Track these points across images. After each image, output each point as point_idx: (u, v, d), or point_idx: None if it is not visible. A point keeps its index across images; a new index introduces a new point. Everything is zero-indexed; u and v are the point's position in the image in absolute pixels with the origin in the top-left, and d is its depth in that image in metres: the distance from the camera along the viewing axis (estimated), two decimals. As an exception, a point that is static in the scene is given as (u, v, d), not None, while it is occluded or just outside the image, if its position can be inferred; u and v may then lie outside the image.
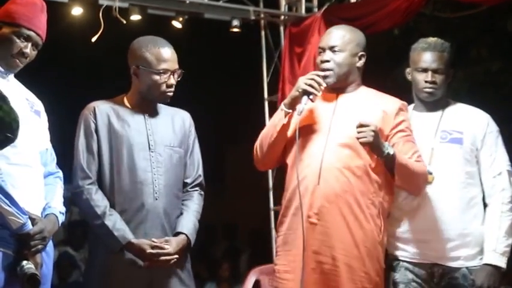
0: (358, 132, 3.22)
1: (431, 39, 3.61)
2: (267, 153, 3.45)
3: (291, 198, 3.38)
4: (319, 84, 3.30)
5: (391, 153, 3.25)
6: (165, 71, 3.36)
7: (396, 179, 3.31)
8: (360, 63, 3.44)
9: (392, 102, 3.42)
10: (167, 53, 3.39)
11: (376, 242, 3.33)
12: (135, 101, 3.44)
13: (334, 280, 3.27)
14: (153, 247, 3.27)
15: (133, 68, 3.40)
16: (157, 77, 3.36)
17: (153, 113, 3.46)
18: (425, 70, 3.55)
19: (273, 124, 3.41)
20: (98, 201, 3.29)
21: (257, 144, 3.48)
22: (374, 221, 3.32)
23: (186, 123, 3.53)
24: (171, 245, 3.31)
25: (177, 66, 3.41)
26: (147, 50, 3.37)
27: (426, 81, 3.54)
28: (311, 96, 3.29)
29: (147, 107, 3.45)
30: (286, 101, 3.37)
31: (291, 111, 3.34)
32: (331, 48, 3.40)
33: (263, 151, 3.45)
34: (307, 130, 3.38)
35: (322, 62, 3.40)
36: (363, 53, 3.44)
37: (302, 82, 3.31)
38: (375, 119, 3.32)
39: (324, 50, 3.42)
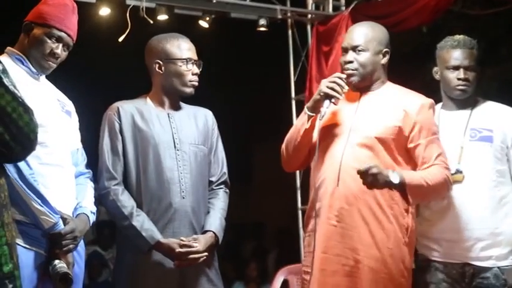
0: (362, 178, 3.13)
1: (459, 37, 3.57)
2: (292, 155, 3.44)
3: (313, 200, 3.37)
4: (342, 87, 3.26)
5: (397, 182, 3.15)
6: (189, 59, 3.39)
7: (411, 202, 3.24)
8: (384, 60, 3.39)
9: (415, 100, 3.35)
10: (187, 43, 3.43)
11: (400, 243, 3.26)
12: (158, 99, 3.44)
13: (356, 282, 3.23)
14: (181, 246, 3.27)
15: (155, 64, 3.40)
16: (182, 66, 3.38)
17: (177, 110, 3.47)
18: (456, 68, 3.51)
19: (296, 128, 3.40)
20: (124, 202, 3.29)
21: (283, 146, 3.47)
22: (397, 221, 3.26)
23: (209, 120, 3.53)
24: (200, 243, 3.30)
25: (197, 57, 3.43)
26: (167, 43, 3.40)
27: (459, 79, 3.51)
28: (333, 100, 3.26)
29: (170, 104, 3.45)
30: (309, 104, 3.35)
31: (314, 114, 3.31)
32: (354, 48, 3.35)
33: (289, 153, 3.44)
34: (330, 131, 3.35)
35: (346, 62, 3.36)
36: (386, 49, 3.39)
37: (324, 85, 3.28)
38: (395, 119, 3.28)
39: (346, 50, 3.38)
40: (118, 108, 3.38)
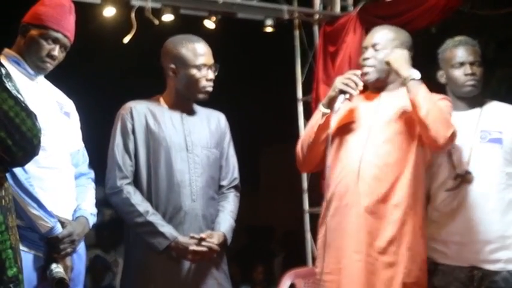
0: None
1: (459, 37, 3.59)
2: (307, 155, 3.44)
3: (330, 199, 3.37)
4: (356, 84, 3.28)
5: (417, 77, 3.23)
6: (204, 65, 3.36)
7: (412, 97, 3.22)
8: None
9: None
10: (202, 48, 3.39)
11: (417, 236, 3.31)
12: (172, 100, 3.43)
13: (378, 279, 3.25)
14: (198, 240, 3.26)
15: (170, 67, 3.39)
16: (196, 72, 3.36)
17: (190, 113, 3.46)
18: (462, 64, 3.52)
19: (311, 125, 3.42)
20: (138, 200, 3.28)
21: (299, 146, 3.48)
22: (415, 215, 3.31)
23: (222, 124, 3.53)
24: (214, 237, 3.31)
25: (213, 61, 3.40)
26: (182, 47, 3.37)
27: (466, 74, 3.50)
28: (347, 96, 3.27)
29: (184, 106, 3.44)
30: (324, 101, 3.37)
31: (328, 111, 3.32)
32: (374, 46, 3.40)
33: (304, 153, 3.45)
34: (348, 129, 3.38)
35: (364, 59, 3.40)
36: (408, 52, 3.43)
37: (339, 81, 3.30)
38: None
39: (366, 48, 3.42)
40: (131, 109, 3.38)
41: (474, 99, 3.54)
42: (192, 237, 3.25)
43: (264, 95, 8.99)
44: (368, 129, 3.35)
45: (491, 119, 3.51)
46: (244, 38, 6.77)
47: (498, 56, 6.04)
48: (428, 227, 3.47)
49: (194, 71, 3.36)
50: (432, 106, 3.22)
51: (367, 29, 5.33)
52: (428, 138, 3.27)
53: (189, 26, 5.29)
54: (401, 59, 3.30)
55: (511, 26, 6.74)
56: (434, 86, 3.69)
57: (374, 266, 3.25)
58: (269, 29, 5.82)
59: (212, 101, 3.57)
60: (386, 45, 3.38)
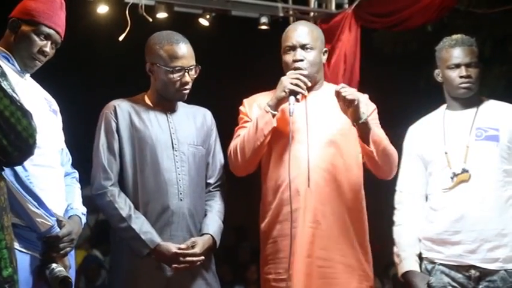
0: (342, 93, 3.18)
1: (456, 36, 3.55)
2: (250, 158, 3.33)
3: (279, 203, 3.32)
4: (305, 84, 3.23)
5: (364, 118, 3.19)
6: (179, 69, 3.28)
7: (371, 148, 3.22)
8: (324, 59, 3.42)
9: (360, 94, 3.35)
10: (181, 50, 3.29)
11: (367, 240, 3.37)
12: (156, 99, 3.38)
13: (334, 283, 3.24)
14: (179, 251, 3.22)
15: (148, 65, 3.35)
16: (170, 75, 3.28)
17: (175, 110, 3.41)
18: (458, 66, 3.48)
19: (258, 128, 3.28)
20: (121, 204, 3.23)
21: (235, 149, 3.35)
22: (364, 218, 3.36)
23: (208, 121, 3.48)
24: (198, 246, 3.26)
25: (192, 63, 3.32)
26: (161, 47, 3.30)
27: (461, 77, 3.47)
28: (298, 96, 3.22)
29: (167, 105, 3.39)
30: (271, 102, 3.28)
31: (277, 113, 3.26)
32: (303, 47, 3.32)
33: (245, 156, 3.33)
34: (282, 132, 3.29)
35: (295, 61, 3.31)
36: (326, 49, 3.42)
37: (288, 82, 3.23)
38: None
39: (294, 48, 3.33)
40: (115, 107, 3.32)
41: (470, 99, 3.52)
42: (175, 254, 3.20)
43: (258, 92, 8.97)
44: (305, 130, 3.30)
45: (487, 117, 3.49)
46: (239, 35, 6.75)
47: (495, 54, 6.04)
48: (425, 226, 3.47)
49: (169, 74, 3.28)
50: (382, 151, 3.26)
51: (362, 26, 5.33)
52: (375, 171, 3.35)
53: (183, 23, 5.27)
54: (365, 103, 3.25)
55: (507, 24, 6.77)
56: (429, 84, 3.68)
57: (330, 271, 3.24)
58: (264, 27, 5.81)
59: (205, 99, 3.55)
60: (315, 45, 3.33)
